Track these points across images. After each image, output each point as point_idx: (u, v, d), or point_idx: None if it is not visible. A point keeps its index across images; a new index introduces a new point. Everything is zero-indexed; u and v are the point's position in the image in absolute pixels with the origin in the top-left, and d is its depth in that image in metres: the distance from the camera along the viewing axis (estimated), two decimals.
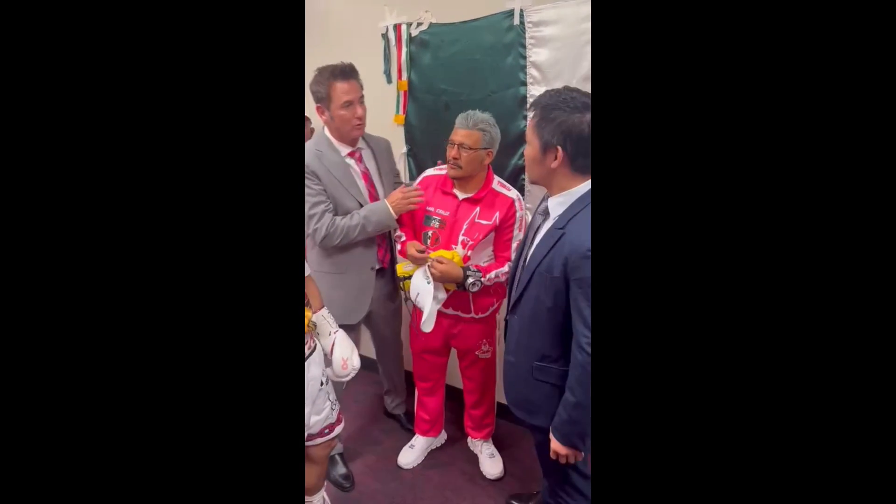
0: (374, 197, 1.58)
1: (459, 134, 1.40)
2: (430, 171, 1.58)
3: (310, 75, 1.47)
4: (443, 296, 1.46)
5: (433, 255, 1.44)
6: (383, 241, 1.65)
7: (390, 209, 1.47)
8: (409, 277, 1.48)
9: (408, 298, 1.54)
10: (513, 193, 1.48)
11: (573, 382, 0.97)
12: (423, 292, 1.41)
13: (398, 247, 1.60)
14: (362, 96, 1.48)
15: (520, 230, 1.47)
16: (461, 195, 1.48)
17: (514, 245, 1.47)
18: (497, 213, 1.45)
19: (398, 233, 1.58)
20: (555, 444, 1.04)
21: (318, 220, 1.46)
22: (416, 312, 1.60)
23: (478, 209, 1.46)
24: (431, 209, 1.51)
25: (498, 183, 1.50)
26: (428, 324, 1.42)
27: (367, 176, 1.57)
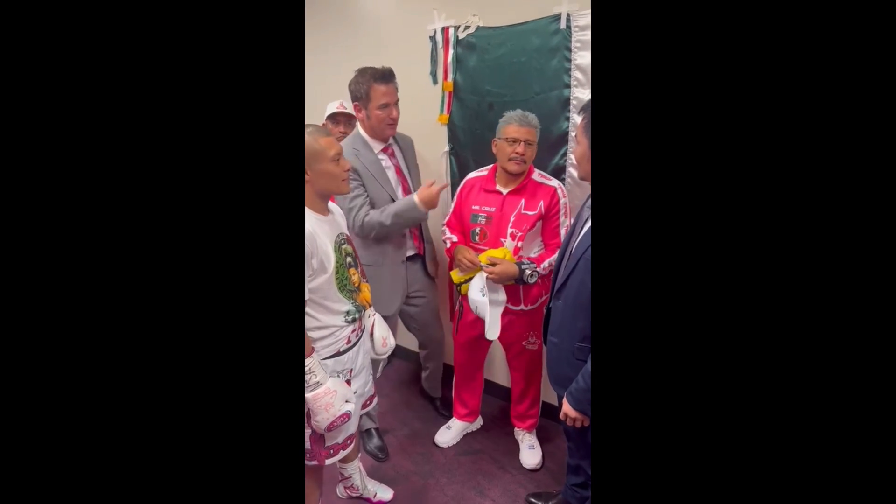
0: (406, 189, 1.69)
1: (522, 132, 1.48)
2: (471, 175, 1.68)
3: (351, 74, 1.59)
4: (503, 298, 1.53)
5: (482, 257, 1.51)
6: (416, 229, 1.76)
7: (418, 203, 1.54)
8: (467, 281, 1.55)
9: (460, 303, 1.63)
10: (554, 182, 1.56)
11: None
12: (481, 304, 1.49)
13: (447, 245, 1.69)
14: (398, 100, 1.60)
15: (565, 216, 1.55)
16: (504, 190, 1.57)
17: (563, 231, 1.54)
18: (541, 203, 1.53)
19: (447, 235, 1.68)
20: (566, 407, 1.13)
21: (356, 212, 1.58)
22: (466, 304, 1.69)
23: (523, 201, 1.55)
24: (477, 207, 1.61)
25: (538, 174, 1.58)
26: (492, 331, 1.49)
27: (399, 170, 1.69)
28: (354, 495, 1.62)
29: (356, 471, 1.57)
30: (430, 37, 1.93)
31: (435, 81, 1.97)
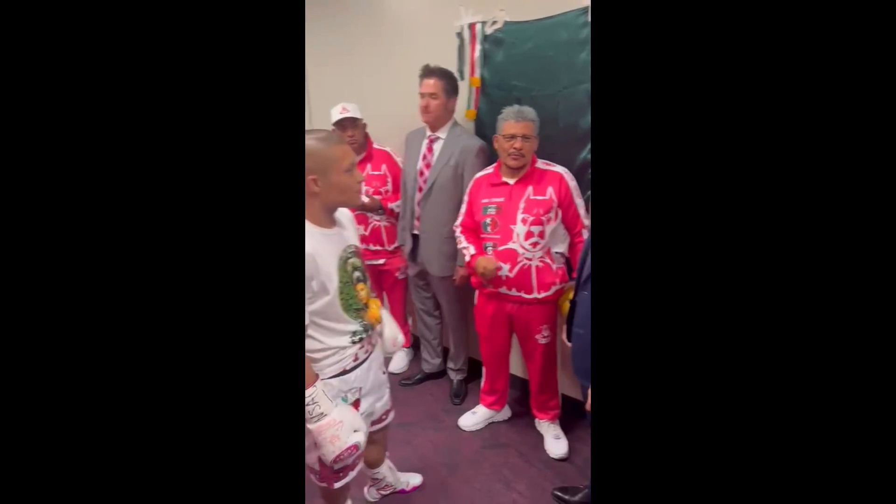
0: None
1: (518, 127, 1.55)
2: (478, 174, 1.75)
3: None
4: None
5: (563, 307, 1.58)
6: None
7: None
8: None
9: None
10: (559, 168, 1.62)
11: None
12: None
13: (466, 258, 1.74)
14: (432, 93, 1.83)
15: (579, 197, 1.60)
16: (511, 180, 1.63)
17: (582, 212, 1.60)
18: (550, 188, 1.57)
19: (463, 245, 1.74)
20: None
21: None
22: (481, 298, 1.77)
23: (530, 188, 1.60)
24: (486, 200, 1.67)
25: (542, 163, 1.64)
26: None
27: (424, 157, 1.93)
28: (388, 493, 1.63)
29: (387, 470, 1.56)
30: (456, 33, 1.95)
31: (462, 78, 1.98)
